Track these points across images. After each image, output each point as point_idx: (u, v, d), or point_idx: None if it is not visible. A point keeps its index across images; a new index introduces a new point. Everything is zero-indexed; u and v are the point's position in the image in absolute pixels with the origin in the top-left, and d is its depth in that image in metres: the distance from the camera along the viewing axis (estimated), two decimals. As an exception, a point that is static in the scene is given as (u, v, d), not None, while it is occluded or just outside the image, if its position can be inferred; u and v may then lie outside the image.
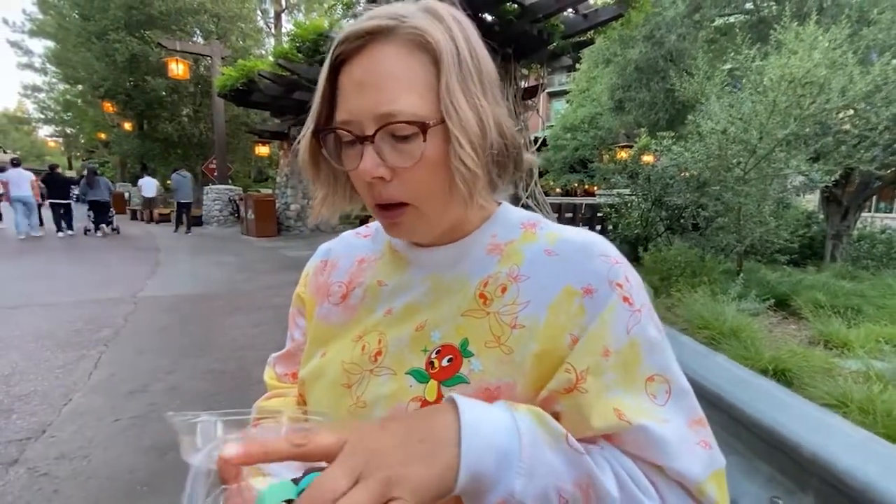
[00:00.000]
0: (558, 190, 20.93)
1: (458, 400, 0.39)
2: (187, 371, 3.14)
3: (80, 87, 20.65)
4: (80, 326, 4.07)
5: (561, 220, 8.75)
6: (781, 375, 2.98)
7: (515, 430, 0.38)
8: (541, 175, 15.01)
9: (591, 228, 9.83)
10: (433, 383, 0.46)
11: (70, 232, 10.57)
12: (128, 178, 19.05)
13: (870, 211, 13.53)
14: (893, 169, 8.50)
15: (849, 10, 7.16)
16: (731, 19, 9.98)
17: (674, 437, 0.41)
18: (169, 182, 13.31)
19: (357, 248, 0.62)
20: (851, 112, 5.92)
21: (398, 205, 0.47)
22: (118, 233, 11.28)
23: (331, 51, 0.45)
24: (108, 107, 17.57)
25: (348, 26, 0.45)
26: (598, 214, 9.20)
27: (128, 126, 18.42)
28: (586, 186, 18.76)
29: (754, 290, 4.79)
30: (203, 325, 4.30)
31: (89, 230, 10.74)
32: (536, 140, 8.88)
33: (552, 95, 25.16)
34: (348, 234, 0.66)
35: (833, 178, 6.23)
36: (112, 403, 2.69)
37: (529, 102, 7.78)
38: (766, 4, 9.15)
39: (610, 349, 0.44)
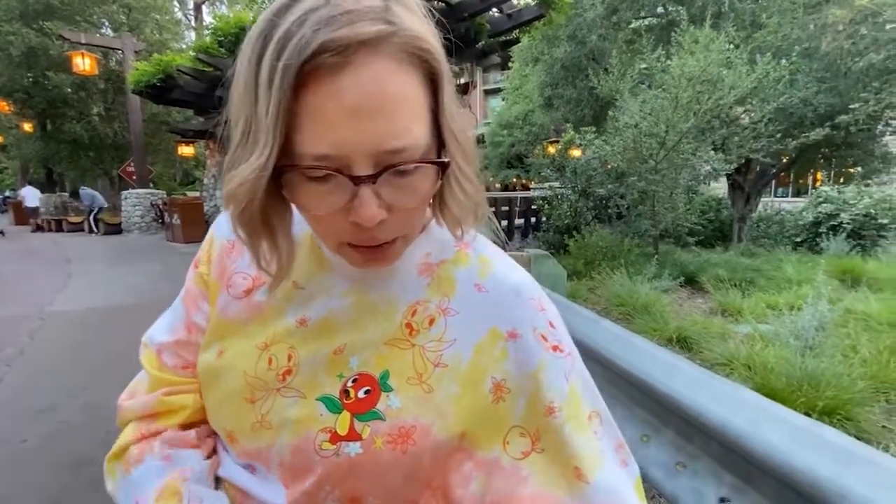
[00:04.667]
0: (498, 185, 21.49)
1: None
2: (103, 387, 2.95)
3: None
4: (-25, 347, 3.68)
5: (497, 214, 9.04)
6: (684, 342, 3.34)
7: None
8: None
9: (527, 221, 10.17)
10: (346, 415, 0.44)
11: None
12: (33, 184, 17.13)
13: (770, 195, 15.17)
14: (787, 158, 9.64)
15: (743, 15, 8.00)
16: (646, 22, 10.76)
17: (612, 483, 0.44)
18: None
19: None
20: (744, 107, 6.65)
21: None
22: (3, 234, 12.46)
23: (284, 62, 0.33)
24: (3, 106, 15.68)
25: (311, 28, 0.33)
26: (533, 207, 9.60)
27: (27, 127, 16.54)
28: (523, 181, 19.42)
29: (668, 269, 5.27)
30: (122, 337, 4.03)
31: None
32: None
33: (488, 93, 25.74)
34: None
35: (733, 167, 6.97)
36: (17, 424, 2.49)
37: (462, 99, 7.97)
38: (674, 9, 9.97)
39: (554, 405, 0.44)
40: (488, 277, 0.49)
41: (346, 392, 0.45)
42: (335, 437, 0.43)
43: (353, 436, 0.43)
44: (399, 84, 0.35)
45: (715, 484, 1.05)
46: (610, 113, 7.22)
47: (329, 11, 0.33)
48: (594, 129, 7.35)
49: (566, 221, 7.75)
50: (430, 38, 0.37)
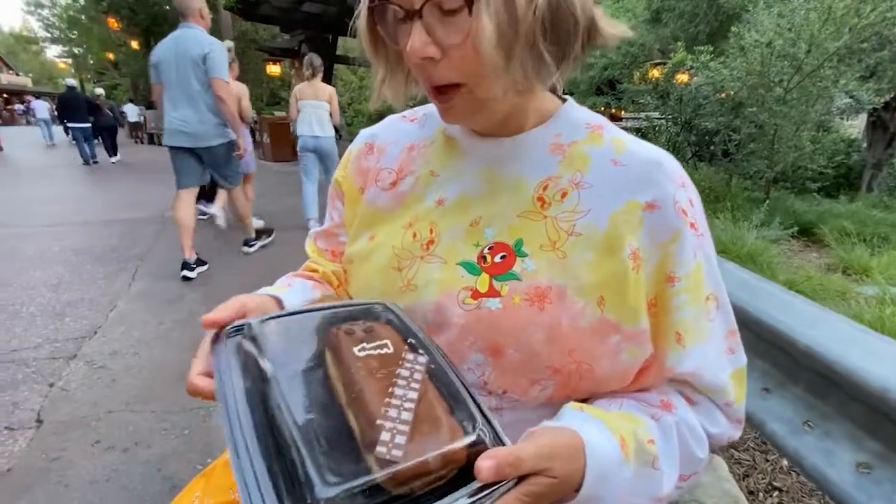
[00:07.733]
0: (582, 114, 19.95)
1: (588, 452, 0.39)
2: (219, 281, 3.34)
3: (81, 0, 19.74)
4: (114, 243, 4.29)
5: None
6: (794, 297, 3.01)
7: (624, 469, 0.41)
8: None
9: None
10: (485, 276, 0.47)
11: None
12: (141, 101, 18.77)
13: (919, 138, 12.61)
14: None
15: None
16: None
17: (709, 359, 0.49)
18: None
19: (405, 133, 0.61)
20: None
21: (452, 86, 0.45)
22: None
23: None
24: (113, 23, 16.86)
25: None
26: (623, 139, 8.83)
27: (135, 44, 17.79)
28: (613, 110, 17.79)
29: (779, 217, 4.69)
30: (231, 243, 4.48)
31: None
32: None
33: (582, 7, 23.07)
34: (394, 119, 0.64)
35: (883, 100, 5.79)
36: (153, 309, 2.91)
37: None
38: None
39: (675, 275, 0.47)
40: (625, 153, 0.50)
41: (483, 258, 0.48)
42: (476, 294, 0.47)
43: (492, 293, 0.47)
44: None
45: (852, 449, 0.96)
46: (733, 29, 6.14)
47: None
48: (710, 48, 6.34)
49: (661, 157, 7.07)
50: None
